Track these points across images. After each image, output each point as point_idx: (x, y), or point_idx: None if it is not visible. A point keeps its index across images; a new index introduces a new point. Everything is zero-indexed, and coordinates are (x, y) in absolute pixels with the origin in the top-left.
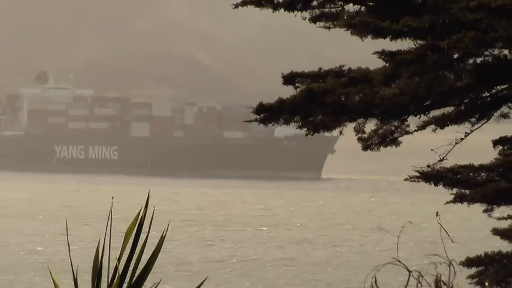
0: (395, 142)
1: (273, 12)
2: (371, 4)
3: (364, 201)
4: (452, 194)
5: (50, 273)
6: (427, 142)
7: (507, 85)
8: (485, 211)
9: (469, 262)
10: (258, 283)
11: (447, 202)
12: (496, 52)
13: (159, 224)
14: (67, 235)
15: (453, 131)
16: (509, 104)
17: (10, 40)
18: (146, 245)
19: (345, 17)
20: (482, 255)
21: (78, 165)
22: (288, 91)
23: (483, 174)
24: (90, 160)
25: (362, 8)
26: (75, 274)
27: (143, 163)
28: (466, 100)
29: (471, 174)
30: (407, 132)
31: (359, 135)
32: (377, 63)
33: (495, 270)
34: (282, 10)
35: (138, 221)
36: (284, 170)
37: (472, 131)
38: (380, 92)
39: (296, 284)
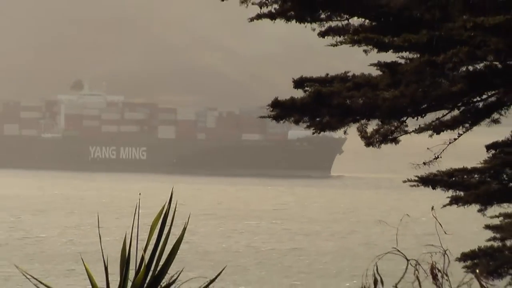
0: (394, 140)
1: (286, 23)
2: (373, 18)
3: (368, 197)
4: (448, 197)
5: (83, 262)
6: (424, 142)
7: (496, 92)
8: (479, 210)
9: (464, 257)
10: (273, 271)
11: (444, 206)
12: (487, 62)
13: (182, 217)
14: (98, 228)
15: (448, 132)
16: (499, 111)
17: (49, 52)
18: (170, 236)
19: (350, 32)
20: (476, 249)
21: (110, 164)
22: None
23: (476, 176)
24: (121, 160)
25: (366, 21)
26: (106, 263)
27: (169, 163)
28: (459, 104)
29: (465, 177)
30: (406, 132)
31: (362, 134)
32: (378, 71)
33: (487, 262)
34: (294, 21)
35: (163, 215)
36: (297, 169)
37: (464, 132)
38: (381, 95)
39: (308, 272)
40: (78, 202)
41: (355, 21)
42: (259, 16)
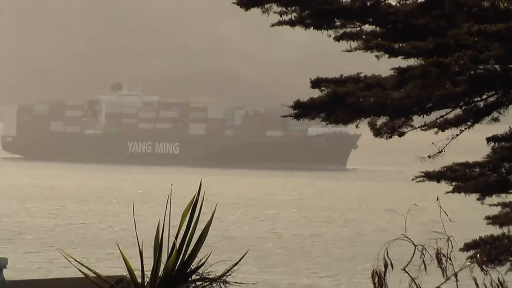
0: (401, 134)
1: (304, 30)
2: (383, 25)
3: (380, 188)
4: (452, 185)
5: (119, 247)
6: (429, 138)
7: (496, 93)
8: (478, 199)
9: (467, 247)
10: (294, 255)
11: (447, 192)
12: (488, 66)
13: (210, 206)
14: (134, 216)
15: (451, 129)
16: (499, 110)
17: (91, 56)
18: (199, 223)
19: (363, 38)
20: (477, 239)
21: (146, 158)
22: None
23: (477, 169)
24: (156, 154)
25: (377, 28)
26: (140, 248)
27: (199, 157)
28: (461, 104)
29: (467, 170)
30: (412, 127)
31: (372, 126)
32: (388, 74)
33: (489, 250)
34: (311, 28)
35: (193, 204)
36: (315, 162)
37: (466, 129)
38: (390, 96)
39: (326, 256)
40: (117, 192)
41: (367, 27)
42: (280, 23)
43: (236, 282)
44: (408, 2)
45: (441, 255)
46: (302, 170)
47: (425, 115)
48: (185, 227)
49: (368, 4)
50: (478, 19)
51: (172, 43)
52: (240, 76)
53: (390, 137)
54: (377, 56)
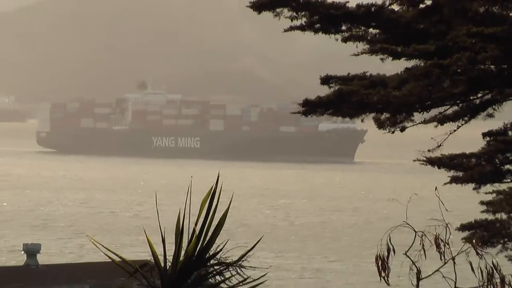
0: (403, 128)
1: (314, 34)
2: (386, 30)
3: (384, 179)
4: (449, 176)
5: (145, 233)
6: (429, 134)
7: (491, 92)
8: (474, 189)
9: (463, 227)
10: (306, 241)
11: (445, 183)
12: (484, 67)
13: (228, 196)
14: (156, 204)
15: (450, 124)
16: (493, 107)
17: (118, 57)
18: (217, 211)
19: (368, 40)
20: (472, 221)
21: (170, 152)
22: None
23: (473, 159)
24: (179, 148)
25: (381, 32)
26: (163, 234)
27: (218, 151)
28: (458, 101)
29: (464, 160)
30: (413, 122)
31: (376, 120)
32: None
33: (482, 233)
34: (320, 33)
35: (211, 194)
36: (325, 156)
37: (463, 124)
38: (392, 93)
39: (335, 242)
40: (142, 183)
41: (371, 31)
42: (291, 28)
43: (251, 266)
44: (409, 8)
45: (440, 240)
46: (313, 163)
47: (425, 112)
48: (204, 216)
49: (373, 10)
50: (475, 23)
51: (193, 45)
52: (256, 76)
53: (393, 132)
54: (381, 59)
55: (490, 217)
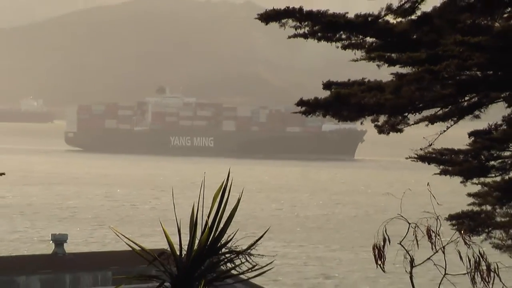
0: (399, 130)
1: (317, 42)
2: (382, 38)
3: (381, 175)
4: (440, 169)
5: (161, 224)
6: (422, 133)
7: (477, 95)
8: (461, 182)
9: (451, 217)
10: (310, 231)
11: (435, 174)
12: (471, 73)
13: (238, 190)
14: (173, 198)
15: (440, 124)
16: (480, 109)
17: (139, 65)
18: (227, 205)
19: (366, 48)
20: (460, 212)
21: (186, 150)
22: None
23: (461, 156)
24: (194, 147)
25: (378, 40)
26: (179, 226)
27: (230, 149)
28: (448, 104)
29: (453, 156)
30: (408, 124)
31: (375, 124)
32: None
33: (469, 222)
34: (322, 40)
35: (222, 189)
36: (328, 154)
37: (452, 125)
38: (386, 96)
39: (337, 233)
40: (160, 179)
41: (368, 39)
42: (295, 35)
43: (259, 254)
44: (402, 19)
45: (431, 231)
46: (316, 160)
47: (417, 114)
48: (216, 209)
49: (369, 20)
50: (463, 33)
51: (207, 53)
52: (265, 80)
53: (388, 133)
54: (378, 65)
55: (476, 208)
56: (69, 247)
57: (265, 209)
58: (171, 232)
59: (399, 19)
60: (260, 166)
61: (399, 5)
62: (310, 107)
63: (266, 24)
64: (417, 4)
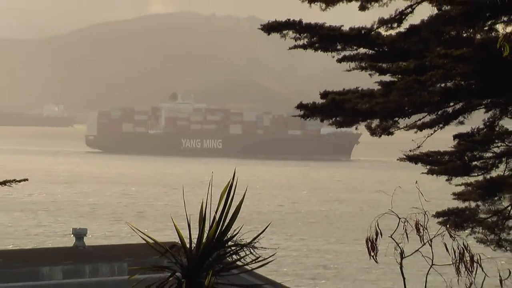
0: (390, 133)
1: (314, 52)
2: (374, 49)
3: (374, 174)
4: (427, 168)
5: (172, 220)
6: (411, 136)
7: (461, 102)
8: (447, 180)
9: (438, 214)
10: (310, 226)
11: (422, 173)
12: (455, 82)
13: (243, 188)
14: (183, 196)
15: (427, 130)
16: (464, 116)
17: (154, 73)
18: (233, 201)
19: (359, 58)
20: (446, 209)
21: (196, 152)
22: None
23: (446, 157)
24: (204, 149)
25: (370, 51)
26: (188, 221)
27: (237, 151)
28: (434, 110)
29: (439, 157)
30: (398, 128)
31: (368, 128)
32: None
33: (454, 219)
34: (319, 51)
35: (228, 187)
36: (326, 155)
37: (438, 129)
38: (378, 101)
39: (334, 226)
40: (172, 178)
41: (361, 50)
42: (295, 47)
43: (262, 247)
44: (393, 32)
45: (419, 225)
46: (315, 160)
47: (406, 118)
48: (222, 205)
49: (363, 32)
50: (447, 44)
51: (216, 63)
52: (269, 88)
53: (380, 136)
54: (370, 74)
55: (461, 205)
56: (88, 240)
57: (268, 206)
58: (182, 227)
59: (389, 32)
60: (263, 166)
61: (389, 18)
62: (308, 110)
63: (268, 34)
64: (404, 17)
